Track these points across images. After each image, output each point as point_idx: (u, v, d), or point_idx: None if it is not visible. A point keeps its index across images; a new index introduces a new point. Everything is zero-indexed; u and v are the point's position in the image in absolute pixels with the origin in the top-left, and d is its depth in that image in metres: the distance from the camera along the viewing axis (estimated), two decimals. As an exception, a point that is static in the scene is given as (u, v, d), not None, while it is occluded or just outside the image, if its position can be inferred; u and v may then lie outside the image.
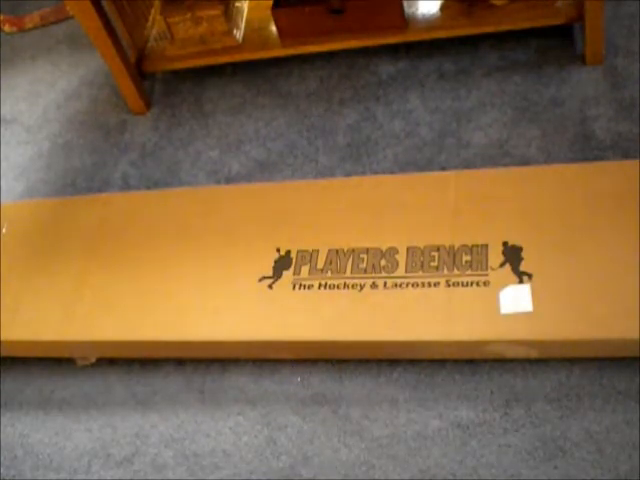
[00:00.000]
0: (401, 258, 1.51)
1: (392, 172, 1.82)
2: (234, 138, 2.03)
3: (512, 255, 1.46)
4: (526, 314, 1.38)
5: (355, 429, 1.45)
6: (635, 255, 1.39)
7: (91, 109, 2.25)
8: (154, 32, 2.20)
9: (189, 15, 2.02)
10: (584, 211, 1.49)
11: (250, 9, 2.15)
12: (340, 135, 1.94)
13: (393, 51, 2.06)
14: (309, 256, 1.57)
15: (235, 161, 1.98)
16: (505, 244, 1.48)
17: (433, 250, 1.51)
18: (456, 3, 1.93)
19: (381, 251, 1.54)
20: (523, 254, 1.46)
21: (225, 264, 1.61)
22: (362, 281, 1.50)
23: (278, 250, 1.59)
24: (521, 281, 1.42)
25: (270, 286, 1.55)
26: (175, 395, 1.59)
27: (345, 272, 1.52)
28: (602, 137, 1.72)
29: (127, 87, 2.10)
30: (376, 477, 1.39)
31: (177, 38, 2.08)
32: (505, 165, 1.74)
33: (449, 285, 1.45)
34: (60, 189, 2.07)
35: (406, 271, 1.49)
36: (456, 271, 1.47)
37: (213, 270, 1.61)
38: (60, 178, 2.10)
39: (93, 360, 1.67)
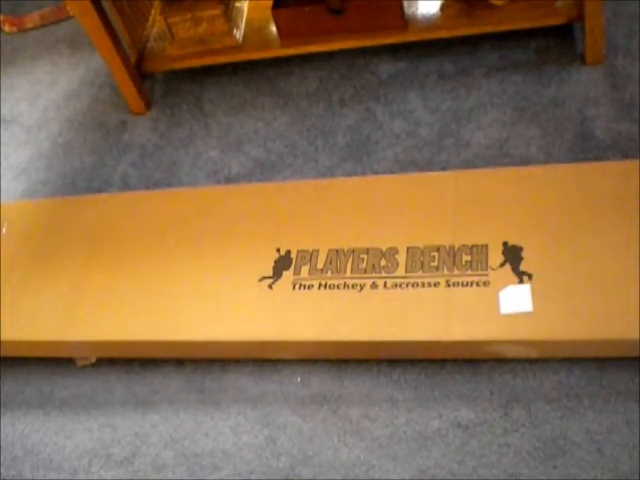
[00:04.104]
0: (401, 258, 1.51)
1: (392, 172, 1.82)
2: (234, 138, 2.03)
3: (512, 255, 1.46)
4: (526, 314, 1.38)
5: (355, 429, 1.45)
6: (635, 255, 1.39)
7: (91, 109, 2.25)
8: (154, 32, 2.20)
9: (189, 15, 2.02)
10: (584, 211, 1.49)
11: (250, 9, 2.15)
12: (340, 135, 1.94)
13: (393, 51, 2.06)
14: (309, 256, 1.57)
15: (235, 161, 1.98)
16: (505, 244, 1.48)
17: (433, 250, 1.51)
18: (456, 3, 1.93)
19: (381, 251, 1.54)
20: (523, 254, 1.46)
21: (225, 264, 1.61)
22: (362, 281, 1.50)
23: (278, 250, 1.59)
24: (521, 281, 1.42)
25: (270, 286, 1.55)
26: (175, 395, 1.59)
27: (345, 272, 1.53)
28: (602, 137, 1.72)
29: (127, 87, 2.10)
30: (376, 477, 1.39)
31: (177, 38, 2.08)
32: (505, 165, 1.74)
33: (449, 285, 1.45)
34: (60, 189, 2.07)
35: (406, 271, 1.49)
36: (456, 271, 1.47)
37: (213, 270, 1.61)
38: (60, 178, 2.10)
39: (93, 360, 1.67)
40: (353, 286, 1.50)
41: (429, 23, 1.94)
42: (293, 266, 1.56)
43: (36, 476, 1.56)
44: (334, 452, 1.43)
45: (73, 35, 2.49)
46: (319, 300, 1.50)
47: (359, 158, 1.87)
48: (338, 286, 1.51)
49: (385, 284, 1.49)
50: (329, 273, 1.53)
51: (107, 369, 1.66)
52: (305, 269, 1.55)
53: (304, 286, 1.53)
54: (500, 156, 1.77)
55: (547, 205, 1.52)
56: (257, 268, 1.58)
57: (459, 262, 1.48)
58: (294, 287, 1.53)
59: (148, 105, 2.16)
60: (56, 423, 1.62)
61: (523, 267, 1.44)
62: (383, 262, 1.52)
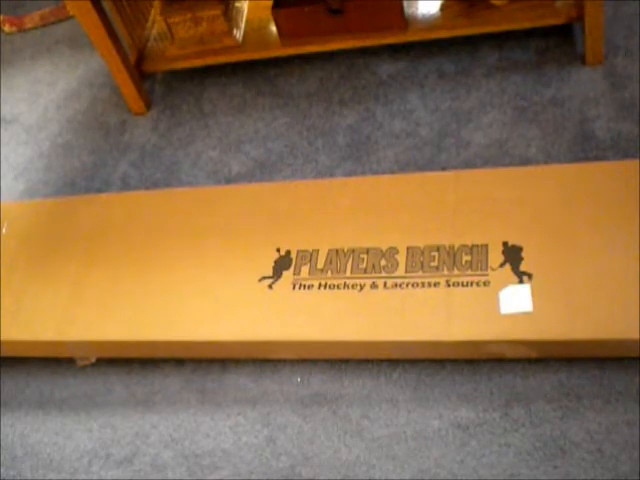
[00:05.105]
0: (401, 258, 1.51)
1: (392, 172, 1.82)
2: (234, 138, 2.03)
3: (512, 255, 1.46)
4: (526, 314, 1.38)
5: (355, 429, 1.45)
6: (635, 256, 1.39)
7: (91, 109, 2.25)
8: (154, 32, 2.20)
9: (189, 15, 2.02)
10: (584, 211, 1.49)
11: (250, 9, 2.15)
12: (340, 135, 1.94)
13: (393, 51, 2.06)
14: (309, 256, 1.57)
15: (235, 161, 1.98)
16: (505, 244, 1.48)
17: (433, 250, 1.51)
18: (456, 3, 1.93)
19: (381, 251, 1.54)
20: (523, 254, 1.46)
21: (225, 264, 1.61)
22: (362, 281, 1.50)
23: (278, 250, 1.59)
24: (521, 281, 1.42)
25: (270, 286, 1.55)
26: (175, 395, 1.59)
27: (345, 272, 1.53)
28: (602, 137, 1.72)
29: (127, 87, 2.10)
30: (376, 477, 1.39)
31: (177, 38, 2.08)
32: (505, 165, 1.74)
33: (449, 285, 1.45)
34: (60, 189, 2.07)
35: (406, 271, 1.49)
36: (456, 271, 1.47)
37: (213, 270, 1.61)
38: (60, 178, 2.10)
39: (93, 360, 1.67)
40: (353, 286, 1.50)
41: (429, 23, 1.94)
42: (293, 266, 1.56)
43: (36, 476, 1.56)
44: (334, 452, 1.43)
45: (73, 35, 2.49)
46: (319, 300, 1.50)
47: (359, 158, 1.87)
48: (338, 286, 1.51)
49: (385, 284, 1.49)
50: (329, 273, 1.53)
51: (107, 369, 1.66)
52: (305, 269, 1.55)
53: (304, 286, 1.53)
54: (500, 156, 1.77)
55: (547, 205, 1.52)
56: (257, 268, 1.58)
57: (459, 262, 1.48)
58: (294, 287, 1.53)
59: (148, 105, 2.16)
60: (56, 423, 1.62)
61: (523, 267, 1.44)
62: (383, 262, 1.52)
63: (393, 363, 1.51)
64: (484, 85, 1.92)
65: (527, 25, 1.86)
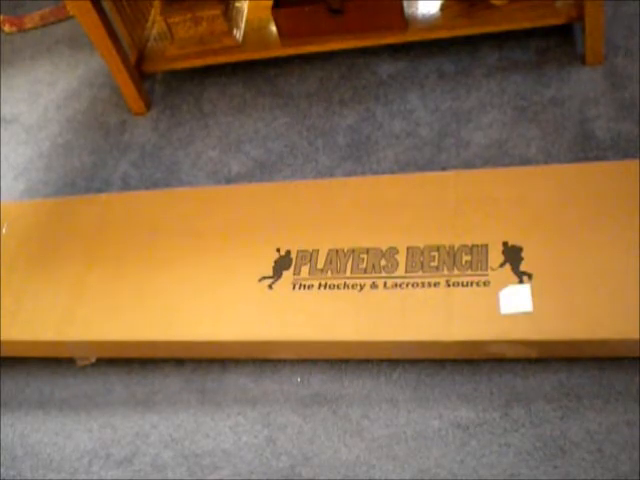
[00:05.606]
0: (401, 258, 1.51)
1: (392, 172, 1.82)
2: (234, 138, 2.03)
3: (512, 255, 1.46)
4: (526, 314, 1.38)
5: (355, 429, 1.45)
6: (635, 255, 1.39)
7: (91, 109, 2.25)
8: (154, 32, 2.20)
9: (189, 15, 2.02)
10: (584, 211, 1.50)
11: (250, 9, 2.15)
12: (340, 135, 1.94)
13: (393, 51, 2.06)
14: (309, 256, 1.57)
15: (235, 161, 1.98)
16: (505, 244, 1.48)
17: (433, 250, 1.51)
18: (456, 3, 1.93)
19: (381, 251, 1.54)
20: (523, 254, 1.46)
21: (225, 264, 1.61)
22: (362, 281, 1.50)
23: (278, 250, 1.59)
24: (521, 281, 1.42)
25: (270, 286, 1.55)
26: (175, 395, 1.59)
27: (345, 272, 1.53)
28: (602, 137, 1.72)
29: (127, 87, 2.10)
30: (376, 477, 1.39)
31: (177, 38, 2.08)
32: (505, 165, 1.74)
33: (449, 285, 1.46)
34: (60, 189, 2.07)
35: (406, 271, 1.49)
36: (456, 271, 1.47)
37: (213, 270, 1.61)
38: (60, 178, 2.10)
39: (93, 360, 1.67)
40: (353, 286, 1.50)
41: (429, 23, 1.94)
42: (293, 266, 1.56)
43: (36, 476, 1.56)
44: (334, 452, 1.43)
45: (73, 35, 2.49)
46: (319, 300, 1.50)
47: (359, 158, 1.87)
48: (338, 286, 1.51)
49: (385, 284, 1.49)
50: (329, 273, 1.53)
51: (107, 369, 1.66)
52: (305, 269, 1.55)
53: (304, 286, 1.53)
54: (500, 156, 1.77)
55: (547, 205, 1.52)
56: (257, 268, 1.58)
57: (459, 262, 1.48)
58: (294, 287, 1.53)
59: (148, 105, 2.16)
60: (56, 423, 1.62)
61: (523, 267, 1.44)
62: (383, 262, 1.52)
63: (393, 363, 1.51)
64: (484, 85, 1.92)
65: (527, 25, 1.86)
